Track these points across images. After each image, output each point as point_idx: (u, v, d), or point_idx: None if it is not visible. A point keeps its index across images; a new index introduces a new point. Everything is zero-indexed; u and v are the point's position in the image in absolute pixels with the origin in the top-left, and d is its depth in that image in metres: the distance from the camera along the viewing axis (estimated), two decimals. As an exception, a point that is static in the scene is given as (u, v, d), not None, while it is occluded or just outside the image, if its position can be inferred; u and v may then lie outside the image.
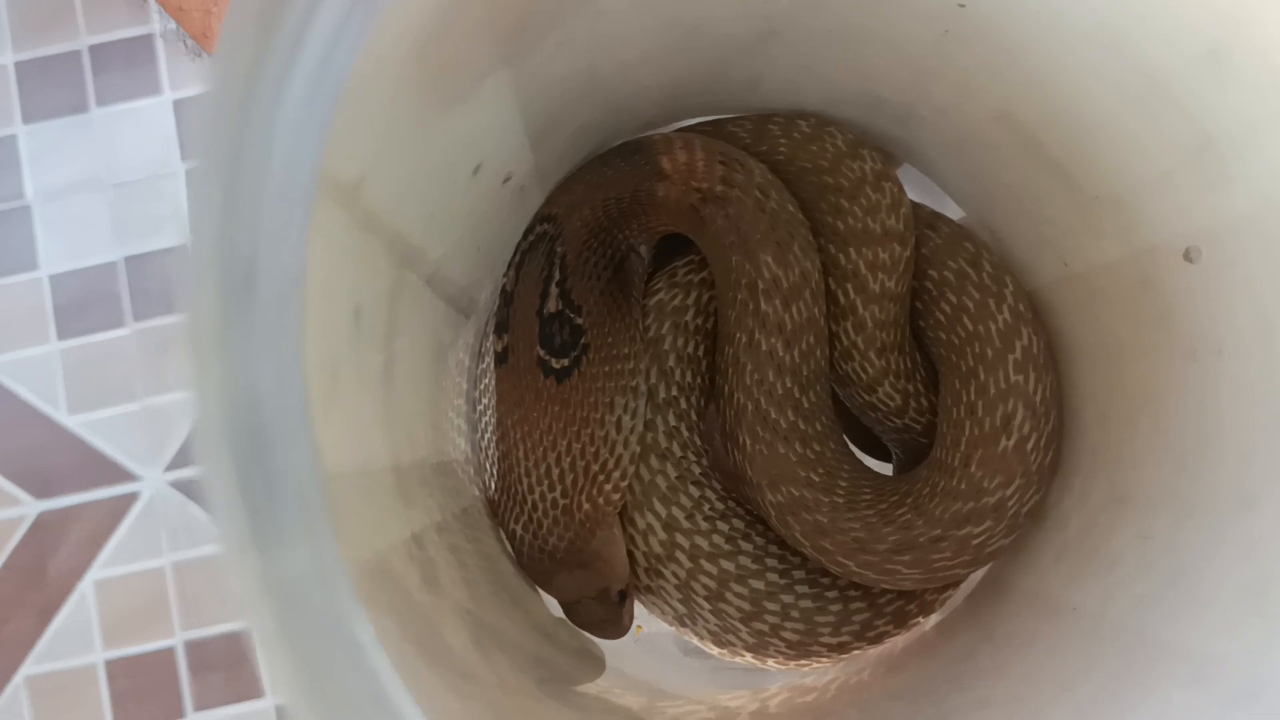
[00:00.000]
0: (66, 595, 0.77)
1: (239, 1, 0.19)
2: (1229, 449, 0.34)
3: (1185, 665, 0.32)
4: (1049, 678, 0.37)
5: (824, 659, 0.44)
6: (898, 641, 0.44)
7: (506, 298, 0.43)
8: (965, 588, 0.45)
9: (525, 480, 0.42)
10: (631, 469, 0.42)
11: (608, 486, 0.42)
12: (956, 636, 0.44)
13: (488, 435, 0.45)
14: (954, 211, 0.45)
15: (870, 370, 0.43)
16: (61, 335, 0.78)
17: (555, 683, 0.41)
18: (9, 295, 0.79)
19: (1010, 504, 0.41)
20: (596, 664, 0.44)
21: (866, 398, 0.44)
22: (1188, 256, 0.35)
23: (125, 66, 0.80)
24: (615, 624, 0.43)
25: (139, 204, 0.79)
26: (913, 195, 0.44)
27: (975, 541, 0.41)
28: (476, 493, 0.44)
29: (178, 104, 0.80)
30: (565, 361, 0.42)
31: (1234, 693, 0.30)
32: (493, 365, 0.44)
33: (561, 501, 0.42)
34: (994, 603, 0.43)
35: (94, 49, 0.80)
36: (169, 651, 0.74)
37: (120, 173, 0.79)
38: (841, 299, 0.43)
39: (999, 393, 0.41)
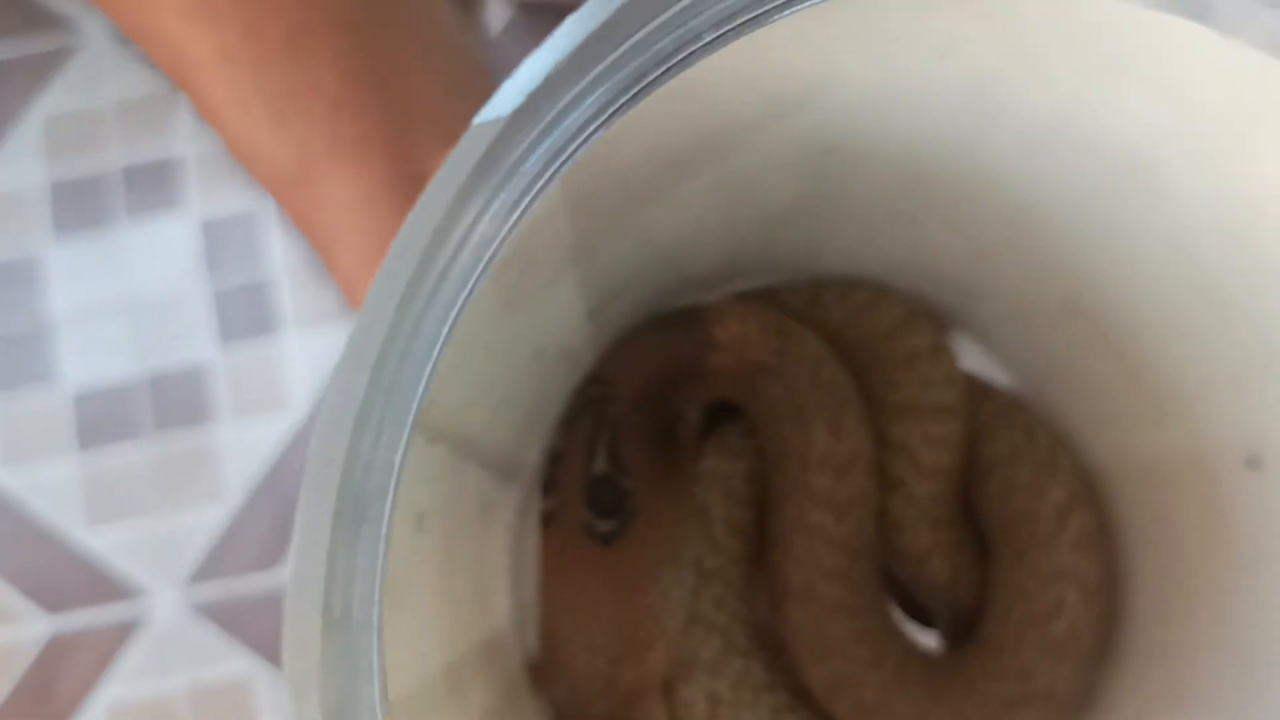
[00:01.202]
0: (76, 718, 0.76)
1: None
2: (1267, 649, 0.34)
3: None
4: None
5: (866, 841, 0.43)
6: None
7: (555, 458, 0.43)
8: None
9: (568, 646, 0.42)
10: (677, 640, 0.42)
11: (651, 656, 0.41)
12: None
13: (532, 596, 0.44)
14: (1006, 380, 0.45)
15: (921, 543, 0.43)
16: (81, 451, 0.78)
17: None
18: (30, 410, 0.79)
19: (1060, 689, 0.41)
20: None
21: (917, 570, 0.44)
22: (1250, 464, 0.35)
23: (156, 188, 0.81)
24: (654, 796, 0.43)
25: (163, 323, 0.79)
26: (964, 359, 0.44)
27: (1025, 724, 0.41)
28: (518, 654, 0.43)
29: (206, 225, 0.80)
30: (612, 525, 0.42)
31: None
32: (539, 526, 0.43)
33: (605, 671, 0.41)
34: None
35: (126, 170, 0.81)
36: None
37: (145, 292, 0.79)
38: (894, 472, 0.43)
39: (1051, 574, 0.41)
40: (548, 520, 0.43)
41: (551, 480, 0.43)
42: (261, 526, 0.78)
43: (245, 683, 0.77)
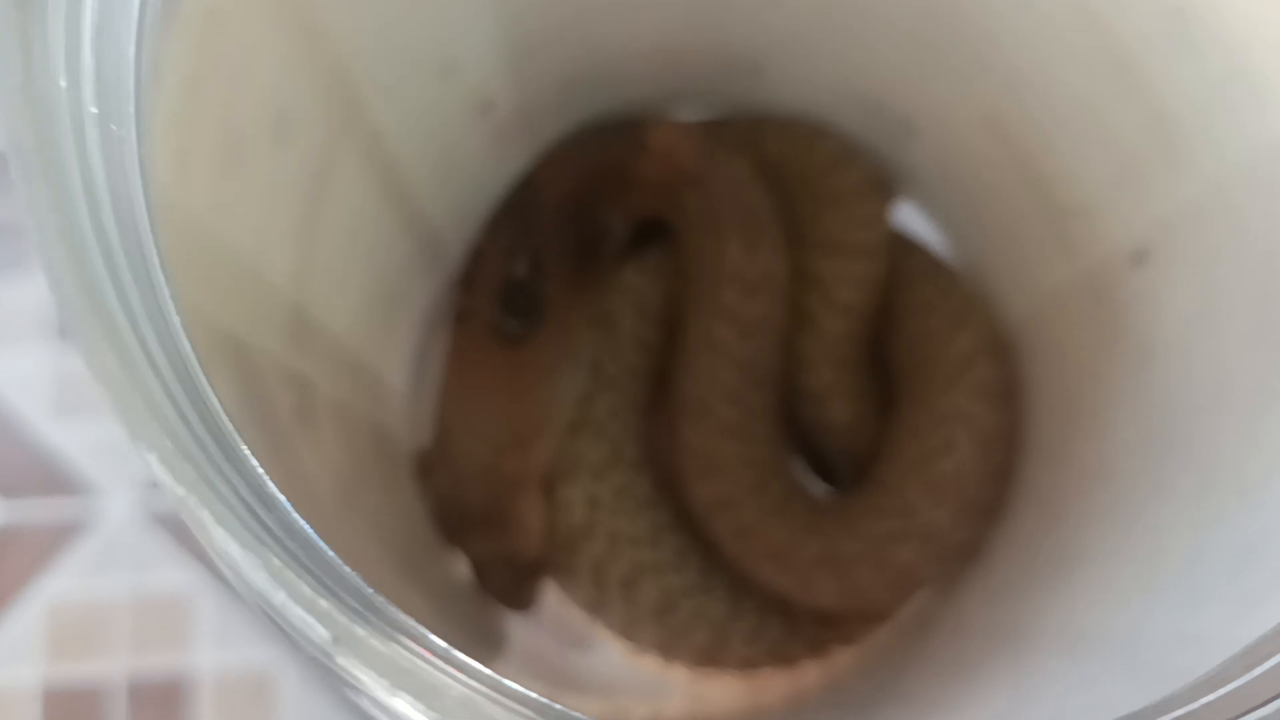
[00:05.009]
0: (6, 608, 0.75)
1: None
2: (1157, 444, 0.33)
3: (1062, 641, 0.31)
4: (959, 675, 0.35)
5: (732, 671, 0.42)
6: (810, 672, 0.42)
7: (476, 258, 0.43)
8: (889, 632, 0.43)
9: (457, 434, 0.42)
10: (561, 434, 0.41)
11: (535, 448, 0.41)
12: (869, 675, 0.42)
13: (434, 392, 0.44)
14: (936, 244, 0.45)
15: (823, 383, 0.42)
16: (59, 340, 0.78)
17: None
18: (7, 296, 0.79)
19: (941, 530, 0.40)
20: (493, 647, 0.43)
21: (817, 412, 0.43)
22: (1136, 260, 0.34)
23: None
24: (521, 595, 0.42)
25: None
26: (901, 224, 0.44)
27: (899, 563, 0.40)
28: (413, 449, 0.43)
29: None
30: (521, 327, 0.42)
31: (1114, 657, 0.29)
32: (451, 320, 0.44)
33: (488, 459, 0.41)
34: (918, 638, 0.41)
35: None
36: (109, 680, 0.72)
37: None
38: (806, 307, 0.42)
39: (944, 415, 0.40)
40: (460, 317, 0.43)
41: (469, 278, 0.43)
42: (227, 439, 0.78)
43: (189, 596, 0.76)
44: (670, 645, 0.41)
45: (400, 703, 0.14)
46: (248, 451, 0.17)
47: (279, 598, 0.15)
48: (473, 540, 0.41)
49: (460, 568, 0.42)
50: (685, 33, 0.40)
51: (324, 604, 0.15)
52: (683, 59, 0.41)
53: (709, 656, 0.41)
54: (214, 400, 0.18)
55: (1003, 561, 0.40)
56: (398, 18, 0.32)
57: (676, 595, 0.41)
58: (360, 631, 0.15)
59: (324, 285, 0.34)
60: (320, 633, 0.15)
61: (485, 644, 0.42)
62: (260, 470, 0.16)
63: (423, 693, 0.14)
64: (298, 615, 0.15)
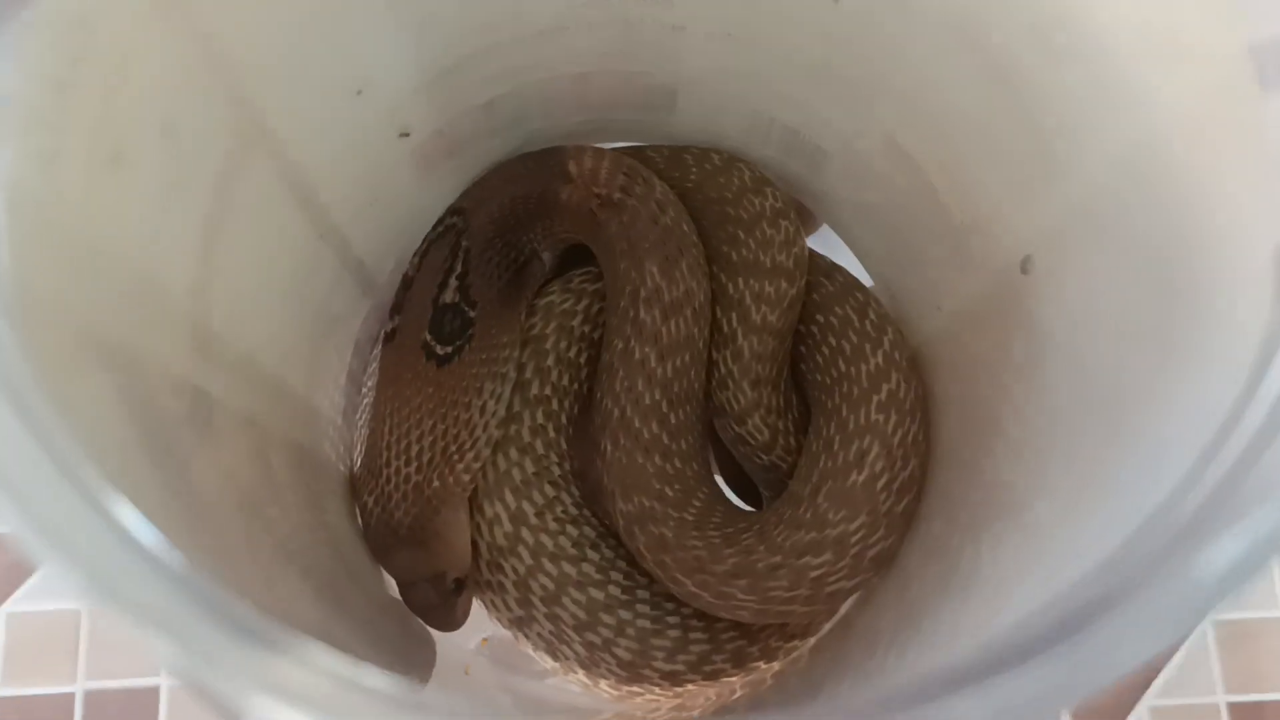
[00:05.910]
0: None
1: None
2: (1042, 448, 0.34)
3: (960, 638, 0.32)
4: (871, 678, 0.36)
5: (655, 686, 0.42)
6: (734, 685, 0.43)
7: (406, 283, 0.44)
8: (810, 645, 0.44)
9: (385, 454, 0.42)
10: (486, 452, 0.42)
11: (459, 466, 0.42)
12: (792, 684, 0.42)
13: (364, 414, 0.45)
14: (864, 278, 0.46)
15: (742, 401, 0.43)
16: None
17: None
18: None
19: (853, 541, 0.40)
20: (421, 667, 0.43)
21: (737, 429, 0.44)
22: (1023, 268, 0.35)
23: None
24: (448, 613, 0.42)
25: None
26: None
27: (813, 574, 0.40)
28: (342, 469, 0.44)
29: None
30: (449, 349, 0.43)
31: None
32: (381, 344, 0.45)
33: (414, 478, 0.42)
34: (837, 641, 0.42)
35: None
36: (67, 697, 0.72)
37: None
38: (725, 327, 0.43)
39: (856, 429, 0.41)
40: (389, 338, 0.44)
41: (399, 303, 0.44)
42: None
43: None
44: (593, 661, 0.42)
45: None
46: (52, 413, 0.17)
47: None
48: (399, 559, 0.42)
49: (390, 587, 0.43)
50: (599, 61, 0.41)
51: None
52: (601, 88, 0.43)
53: (632, 672, 0.42)
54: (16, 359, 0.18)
55: (914, 570, 0.41)
56: (301, 35, 0.33)
57: (598, 609, 0.42)
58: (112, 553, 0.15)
59: (233, 302, 0.35)
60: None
61: (413, 664, 0.43)
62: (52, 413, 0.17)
63: (175, 628, 0.15)
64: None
